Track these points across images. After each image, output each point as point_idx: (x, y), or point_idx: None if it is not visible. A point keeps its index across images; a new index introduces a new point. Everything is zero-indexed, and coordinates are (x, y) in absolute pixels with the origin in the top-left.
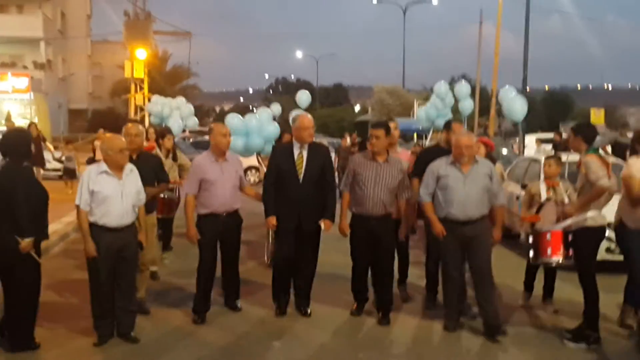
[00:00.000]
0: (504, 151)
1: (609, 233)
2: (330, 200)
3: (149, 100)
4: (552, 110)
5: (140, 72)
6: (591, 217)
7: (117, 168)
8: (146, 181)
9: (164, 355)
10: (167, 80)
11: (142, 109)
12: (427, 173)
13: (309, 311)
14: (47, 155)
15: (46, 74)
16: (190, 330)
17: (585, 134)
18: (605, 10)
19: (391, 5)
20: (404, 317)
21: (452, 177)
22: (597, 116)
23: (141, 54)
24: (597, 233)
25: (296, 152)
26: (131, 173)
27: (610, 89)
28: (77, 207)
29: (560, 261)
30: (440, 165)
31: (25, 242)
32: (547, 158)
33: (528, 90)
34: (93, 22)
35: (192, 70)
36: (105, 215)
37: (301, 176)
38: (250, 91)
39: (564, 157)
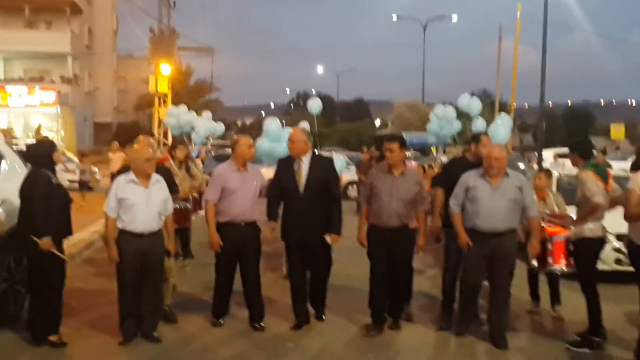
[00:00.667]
0: (521, 165)
1: (618, 245)
2: (336, 214)
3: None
4: (572, 125)
5: (164, 87)
6: (589, 228)
7: (144, 177)
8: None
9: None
10: (190, 94)
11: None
12: (458, 184)
13: (323, 317)
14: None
15: (73, 88)
16: (207, 335)
17: (580, 149)
18: (629, 27)
19: (411, 21)
20: (414, 324)
21: (480, 189)
22: (617, 131)
23: (165, 69)
24: (595, 243)
25: (295, 164)
26: (157, 183)
27: (633, 104)
28: (105, 213)
29: (563, 269)
30: (470, 177)
31: (43, 241)
32: (537, 172)
33: (550, 104)
34: (119, 37)
35: (215, 85)
36: (131, 221)
37: (301, 188)
38: (272, 106)
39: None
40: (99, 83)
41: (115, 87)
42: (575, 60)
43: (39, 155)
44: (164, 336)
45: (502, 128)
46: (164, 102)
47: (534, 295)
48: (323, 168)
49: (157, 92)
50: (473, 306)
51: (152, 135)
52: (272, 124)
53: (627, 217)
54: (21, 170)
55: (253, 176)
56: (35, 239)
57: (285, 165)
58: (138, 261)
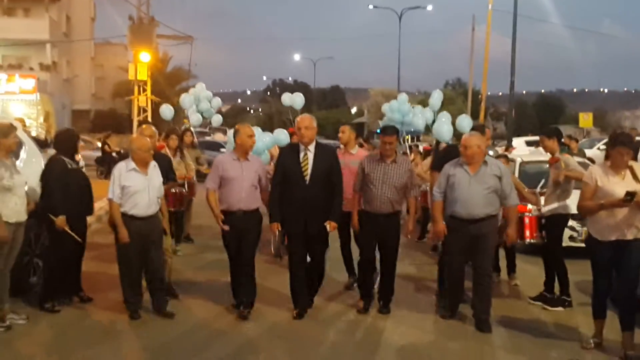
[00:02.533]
0: (491, 153)
1: (571, 223)
2: (337, 202)
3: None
4: (543, 114)
5: (143, 75)
6: (562, 205)
7: (143, 165)
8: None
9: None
10: (167, 81)
11: (145, 110)
12: (442, 173)
13: (312, 301)
14: None
15: (51, 75)
16: (200, 325)
17: (559, 136)
18: (602, 16)
19: (388, 11)
20: (405, 312)
21: (458, 176)
22: (585, 119)
23: (145, 57)
24: (565, 219)
25: (302, 152)
26: (154, 168)
27: (606, 92)
28: (110, 200)
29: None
30: (451, 166)
31: (59, 220)
32: (497, 157)
33: (524, 93)
34: (97, 24)
35: (192, 72)
36: (134, 207)
37: (307, 177)
38: (248, 92)
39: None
40: (77, 70)
41: (93, 74)
42: (548, 50)
43: (65, 142)
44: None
45: (445, 125)
46: (144, 90)
47: (495, 267)
48: (327, 157)
49: (137, 80)
50: (460, 292)
51: (151, 124)
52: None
53: (579, 209)
54: (37, 157)
55: (253, 166)
56: (52, 217)
57: (291, 153)
58: (140, 242)
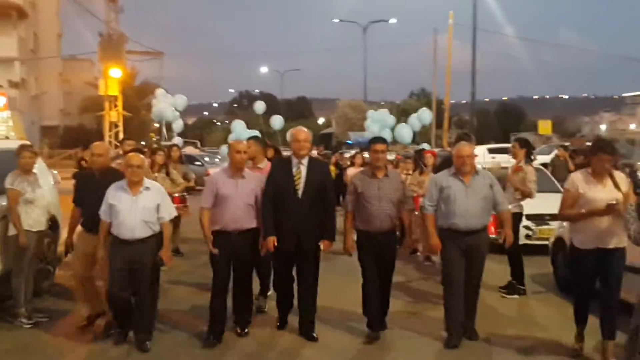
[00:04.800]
0: None
1: (527, 223)
2: (330, 220)
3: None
4: (505, 121)
5: (114, 90)
6: (515, 205)
7: (131, 184)
8: None
9: None
10: (136, 95)
11: (116, 126)
12: (431, 184)
13: (315, 335)
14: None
15: (20, 92)
16: (195, 348)
17: (529, 148)
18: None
19: (353, 24)
20: (406, 334)
21: (454, 187)
22: (544, 127)
23: (115, 73)
24: (519, 216)
25: (294, 167)
26: (146, 191)
27: (566, 98)
28: (99, 216)
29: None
30: (442, 177)
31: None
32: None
33: (487, 100)
34: (63, 40)
35: (161, 86)
36: (118, 227)
37: (300, 192)
38: (215, 105)
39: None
40: (45, 87)
41: (61, 90)
42: (509, 59)
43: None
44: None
45: (405, 129)
46: (115, 105)
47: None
48: (320, 171)
49: (107, 95)
50: (459, 308)
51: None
52: (238, 125)
53: (560, 216)
54: (45, 173)
55: (249, 183)
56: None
57: (283, 167)
58: (125, 266)
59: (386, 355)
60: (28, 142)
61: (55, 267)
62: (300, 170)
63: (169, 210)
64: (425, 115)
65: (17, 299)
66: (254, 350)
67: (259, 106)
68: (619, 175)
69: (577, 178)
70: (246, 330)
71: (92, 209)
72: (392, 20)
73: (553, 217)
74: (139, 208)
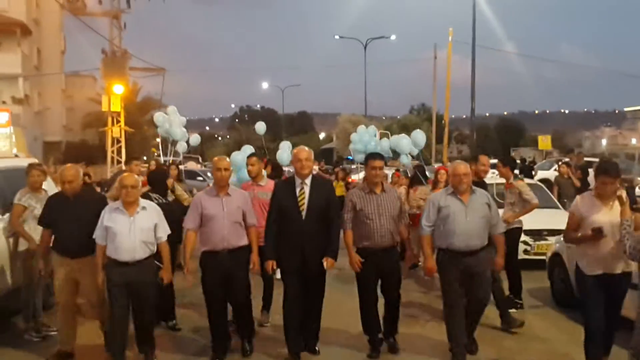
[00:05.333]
0: None
1: (525, 239)
2: (334, 238)
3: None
4: (505, 136)
5: (117, 106)
6: (518, 221)
7: (127, 204)
8: (85, 220)
9: None
10: (139, 111)
11: (119, 141)
12: (428, 205)
13: (317, 349)
14: None
15: (24, 108)
16: None
17: (512, 165)
18: (561, 40)
19: (353, 41)
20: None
21: (453, 207)
22: (544, 142)
23: (118, 89)
24: (520, 231)
25: (298, 187)
26: (143, 210)
27: (567, 112)
28: (94, 240)
29: None
30: (440, 196)
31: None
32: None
33: (488, 115)
34: (66, 56)
35: (163, 102)
36: (116, 250)
37: (304, 212)
38: (216, 120)
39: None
40: (48, 102)
41: (63, 106)
42: (509, 74)
43: (157, 180)
44: None
45: (404, 139)
46: (117, 121)
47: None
48: (324, 190)
49: (110, 111)
50: (461, 330)
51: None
52: (237, 156)
53: (565, 239)
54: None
55: (235, 201)
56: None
57: (286, 188)
58: (124, 289)
59: None
60: (37, 161)
61: None
62: (304, 191)
63: (166, 230)
64: (419, 138)
65: (26, 313)
66: None
67: (260, 127)
68: (627, 197)
69: (581, 201)
70: (250, 347)
71: (67, 232)
72: (393, 37)
73: (551, 232)
74: (137, 229)
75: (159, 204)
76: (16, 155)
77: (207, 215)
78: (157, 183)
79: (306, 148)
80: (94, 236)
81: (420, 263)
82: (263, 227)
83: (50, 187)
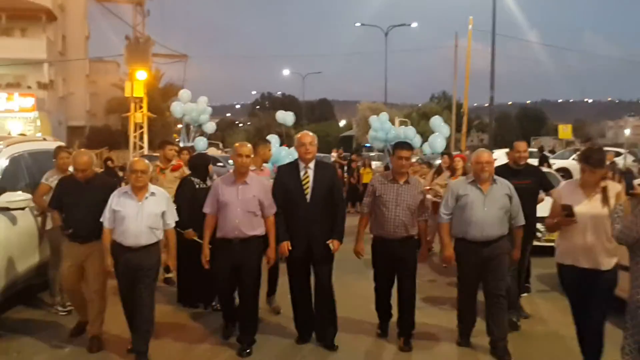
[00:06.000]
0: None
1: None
2: (339, 221)
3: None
4: (526, 125)
5: (139, 92)
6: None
7: (136, 189)
8: (96, 206)
9: None
10: (161, 97)
11: (141, 127)
12: (448, 192)
13: (335, 345)
14: None
15: (49, 93)
16: (204, 355)
17: None
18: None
19: (374, 28)
20: (426, 343)
21: (471, 196)
22: (564, 131)
23: (142, 75)
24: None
25: (302, 171)
26: (152, 196)
27: (590, 102)
28: (102, 223)
29: None
30: (460, 185)
31: (187, 233)
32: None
33: (510, 104)
34: (90, 42)
35: (184, 88)
36: (122, 234)
37: (308, 196)
38: (237, 106)
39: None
40: (72, 88)
41: (87, 91)
42: (533, 63)
43: (199, 165)
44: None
45: (438, 138)
46: (140, 107)
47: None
48: (327, 174)
49: (133, 97)
50: (472, 316)
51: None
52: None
53: (546, 225)
54: None
55: (251, 190)
56: (180, 230)
57: (290, 172)
58: (130, 274)
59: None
60: (64, 144)
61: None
62: (308, 175)
63: (175, 216)
64: (437, 142)
65: (54, 288)
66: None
67: (287, 118)
68: (614, 188)
69: (564, 188)
70: (248, 350)
71: (78, 217)
72: (414, 24)
73: None
74: (145, 214)
75: (199, 189)
76: (44, 139)
77: (222, 202)
78: (198, 167)
79: (310, 132)
80: (101, 219)
81: (432, 249)
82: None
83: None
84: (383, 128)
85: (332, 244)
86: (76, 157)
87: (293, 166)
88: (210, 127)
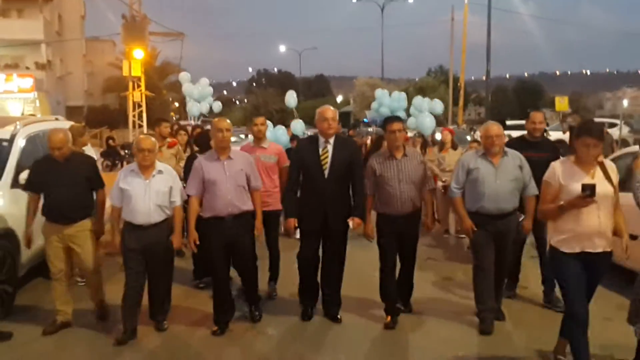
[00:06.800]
0: (468, 138)
1: None
2: (360, 198)
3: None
4: (523, 98)
5: (137, 71)
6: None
7: (143, 167)
8: (77, 184)
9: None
10: (157, 76)
11: (139, 106)
12: (458, 166)
13: (339, 317)
14: None
15: (47, 73)
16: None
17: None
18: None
19: (370, 2)
20: (436, 322)
21: (482, 169)
22: (561, 103)
23: (138, 54)
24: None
25: (321, 146)
26: (159, 174)
27: (589, 73)
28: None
29: None
30: (469, 158)
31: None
32: (472, 142)
33: (508, 77)
34: (86, 21)
35: (181, 67)
36: (130, 212)
37: (326, 171)
38: (234, 84)
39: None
40: (70, 68)
41: (84, 71)
42: (530, 35)
43: (205, 142)
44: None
45: (427, 117)
46: (138, 85)
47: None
48: (347, 150)
49: (131, 76)
50: (490, 294)
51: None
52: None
53: (539, 213)
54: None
55: (236, 164)
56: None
57: (309, 146)
58: (140, 252)
59: (411, 340)
60: (74, 123)
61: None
62: (327, 150)
63: (181, 194)
64: (426, 122)
65: None
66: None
67: (290, 99)
68: (610, 165)
69: (558, 168)
70: (259, 314)
71: (58, 198)
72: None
73: None
74: (152, 192)
75: None
76: (56, 119)
77: (209, 180)
78: (205, 145)
79: (331, 107)
80: (108, 198)
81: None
82: (267, 191)
83: (88, 150)
84: (390, 105)
85: (353, 221)
86: (51, 135)
87: (313, 140)
88: (217, 106)
